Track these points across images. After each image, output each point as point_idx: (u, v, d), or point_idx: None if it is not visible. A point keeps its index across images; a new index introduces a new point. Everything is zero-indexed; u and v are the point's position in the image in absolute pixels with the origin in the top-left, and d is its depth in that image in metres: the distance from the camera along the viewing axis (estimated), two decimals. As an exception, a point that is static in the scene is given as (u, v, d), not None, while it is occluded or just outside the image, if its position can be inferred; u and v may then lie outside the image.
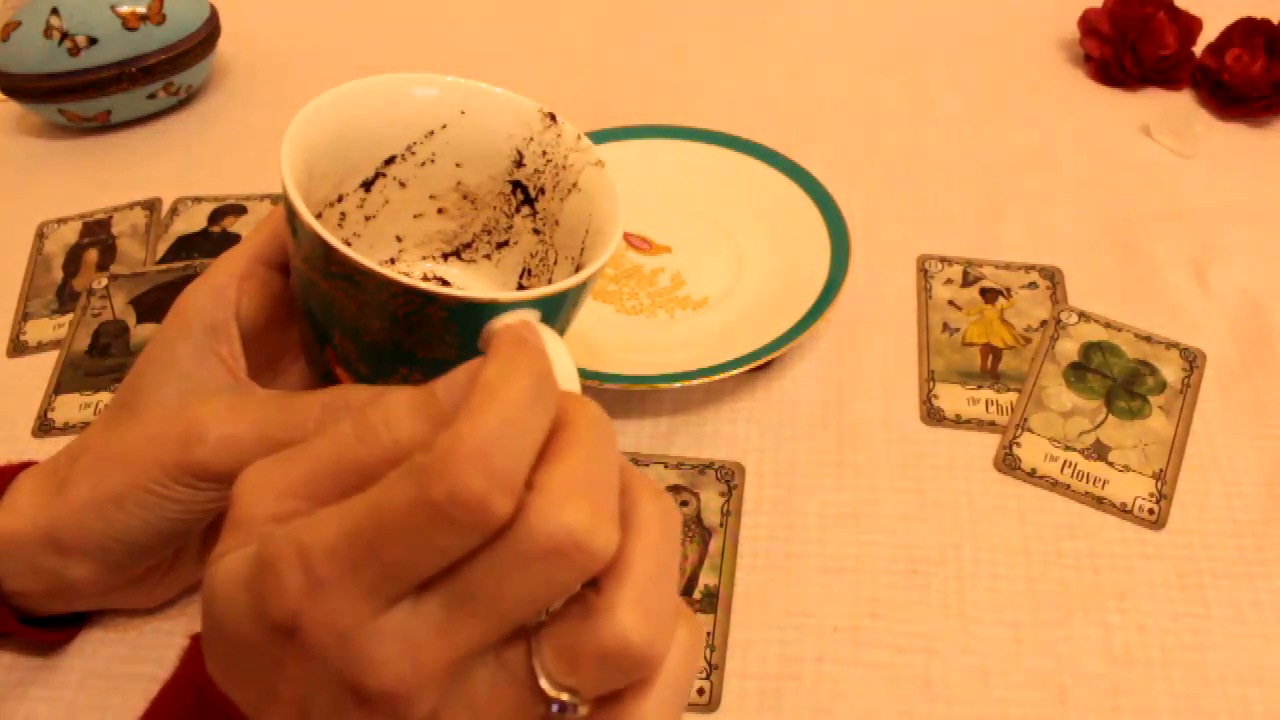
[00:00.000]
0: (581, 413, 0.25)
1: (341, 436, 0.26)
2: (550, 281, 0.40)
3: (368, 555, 0.23)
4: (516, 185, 0.41)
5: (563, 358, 0.31)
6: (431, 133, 0.39)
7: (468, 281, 0.43)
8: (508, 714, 0.25)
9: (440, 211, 0.42)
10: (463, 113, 0.39)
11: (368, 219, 0.40)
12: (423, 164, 0.40)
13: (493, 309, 0.31)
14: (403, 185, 0.40)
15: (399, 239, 0.42)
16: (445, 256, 0.43)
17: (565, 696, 0.24)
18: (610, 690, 0.25)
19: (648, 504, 0.25)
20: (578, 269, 0.38)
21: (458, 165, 0.40)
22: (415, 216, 0.42)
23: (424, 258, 0.43)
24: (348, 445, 0.25)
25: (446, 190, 0.41)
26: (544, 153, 0.40)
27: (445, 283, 0.42)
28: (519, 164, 0.40)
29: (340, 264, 0.31)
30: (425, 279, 0.41)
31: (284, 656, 0.24)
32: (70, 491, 0.37)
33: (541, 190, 0.40)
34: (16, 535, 0.38)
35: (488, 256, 0.43)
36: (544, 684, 0.24)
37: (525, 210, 0.41)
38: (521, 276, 0.42)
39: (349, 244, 0.31)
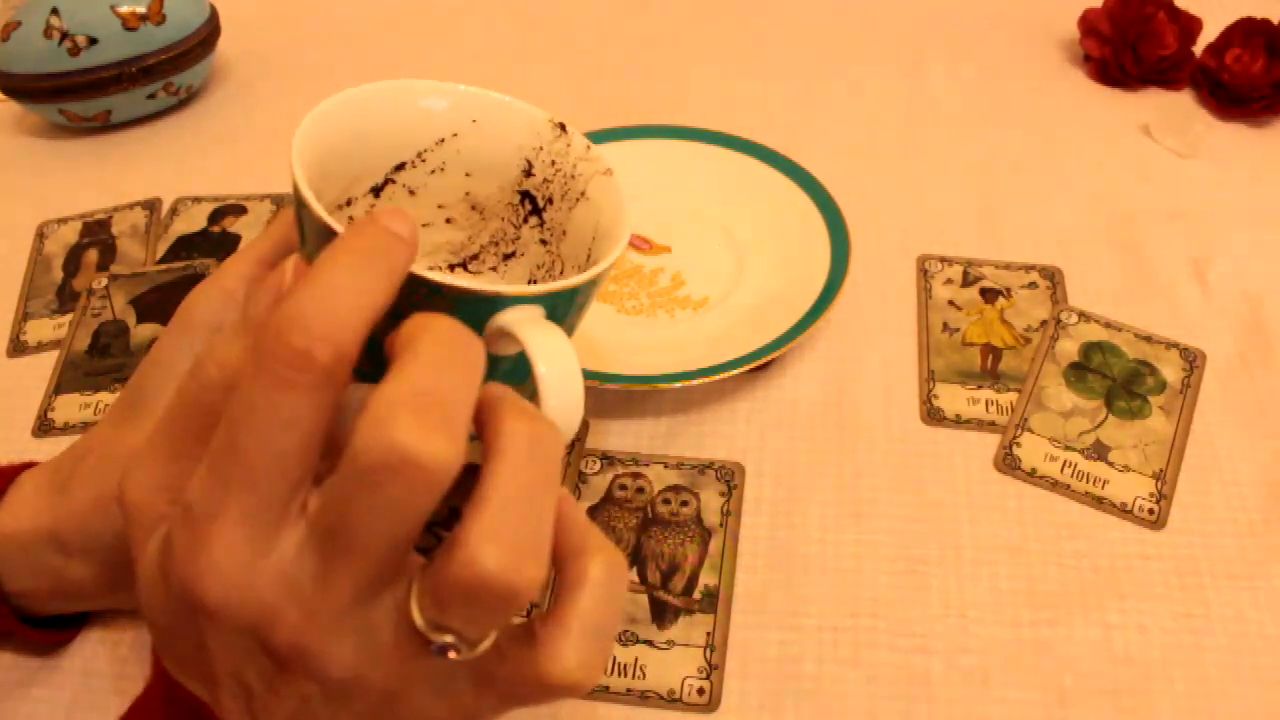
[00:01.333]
0: (425, 331, 0.24)
1: (183, 388, 0.26)
2: None
3: (230, 468, 0.23)
4: (525, 195, 0.41)
5: (569, 358, 0.31)
6: (442, 140, 0.39)
7: None
8: (406, 660, 0.25)
9: (448, 221, 0.42)
10: (474, 121, 0.39)
11: None
12: (432, 172, 0.40)
13: (498, 302, 0.31)
14: (412, 193, 0.40)
15: None
16: (452, 268, 0.43)
17: (448, 639, 0.24)
18: (486, 627, 0.24)
19: (513, 425, 0.25)
20: None
21: (467, 175, 0.40)
22: (423, 226, 0.41)
23: (430, 268, 0.43)
24: (189, 394, 0.26)
25: (455, 200, 0.41)
26: (553, 162, 0.39)
27: None
28: (528, 173, 0.40)
29: None
30: None
31: (203, 633, 0.25)
32: (74, 492, 0.37)
33: (550, 200, 0.40)
34: (18, 535, 0.38)
35: (494, 268, 0.43)
36: (419, 624, 0.24)
37: (533, 221, 0.41)
38: None
39: None
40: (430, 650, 0.24)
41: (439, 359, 0.24)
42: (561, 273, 0.40)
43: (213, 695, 0.27)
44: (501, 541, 0.23)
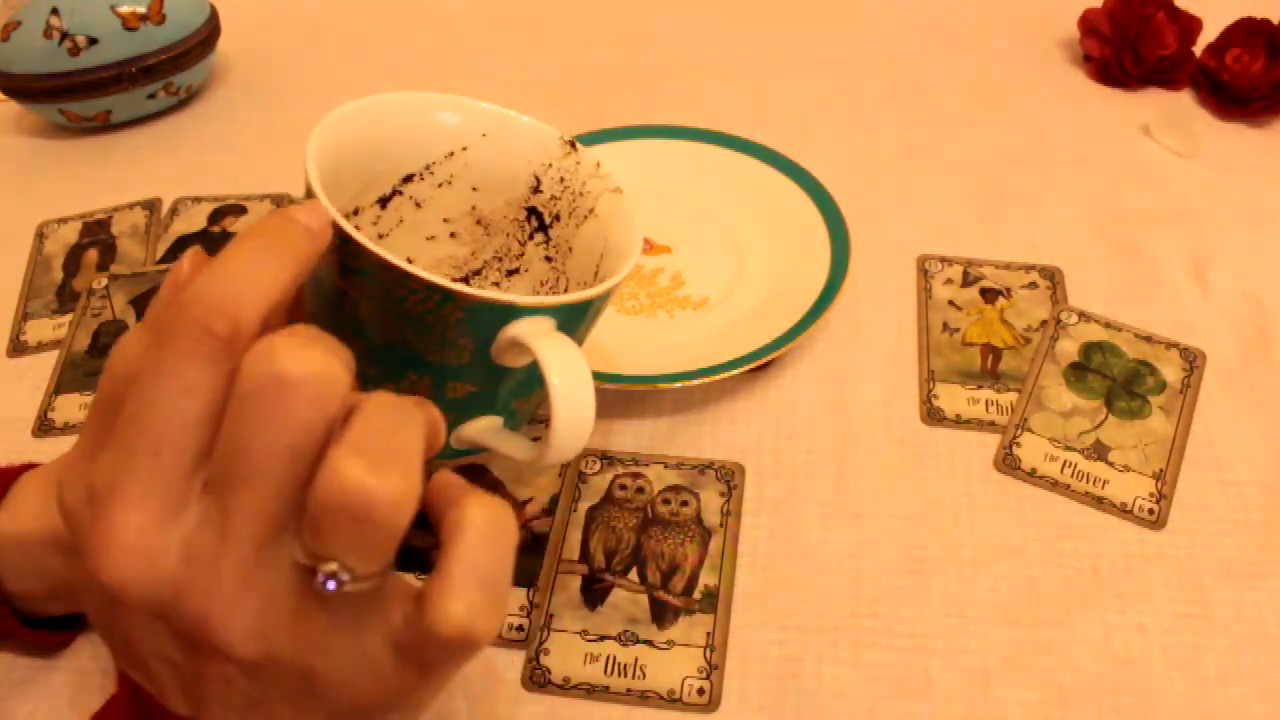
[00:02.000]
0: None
1: (99, 385, 0.27)
2: None
3: (131, 439, 0.24)
4: (531, 211, 0.40)
5: (582, 370, 0.30)
6: (451, 154, 0.39)
7: None
8: (309, 621, 0.25)
9: (453, 235, 0.42)
10: (484, 135, 0.39)
11: (381, 236, 0.40)
12: (440, 185, 0.40)
13: (510, 312, 0.31)
14: (418, 205, 0.40)
15: (409, 261, 0.42)
16: (454, 282, 0.43)
17: (331, 566, 0.24)
18: (364, 551, 0.24)
19: None
20: None
21: (474, 189, 0.40)
22: (428, 239, 0.41)
23: None
24: (103, 389, 0.27)
25: (461, 214, 0.41)
26: (562, 179, 0.39)
27: None
28: (536, 190, 0.40)
29: (359, 257, 0.30)
30: None
31: (120, 619, 0.25)
32: None
33: (557, 217, 0.40)
34: (20, 536, 0.38)
35: (496, 284, 0.42)
36: (301, 558, 0.24)
37: (539, 237, 0.41)
38: None
39: None
40: (318, 583, 0.24)
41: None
42: (566, 289, 0.40)
43: (154, 685, 0.27)
44: (362, 454, 0.23)
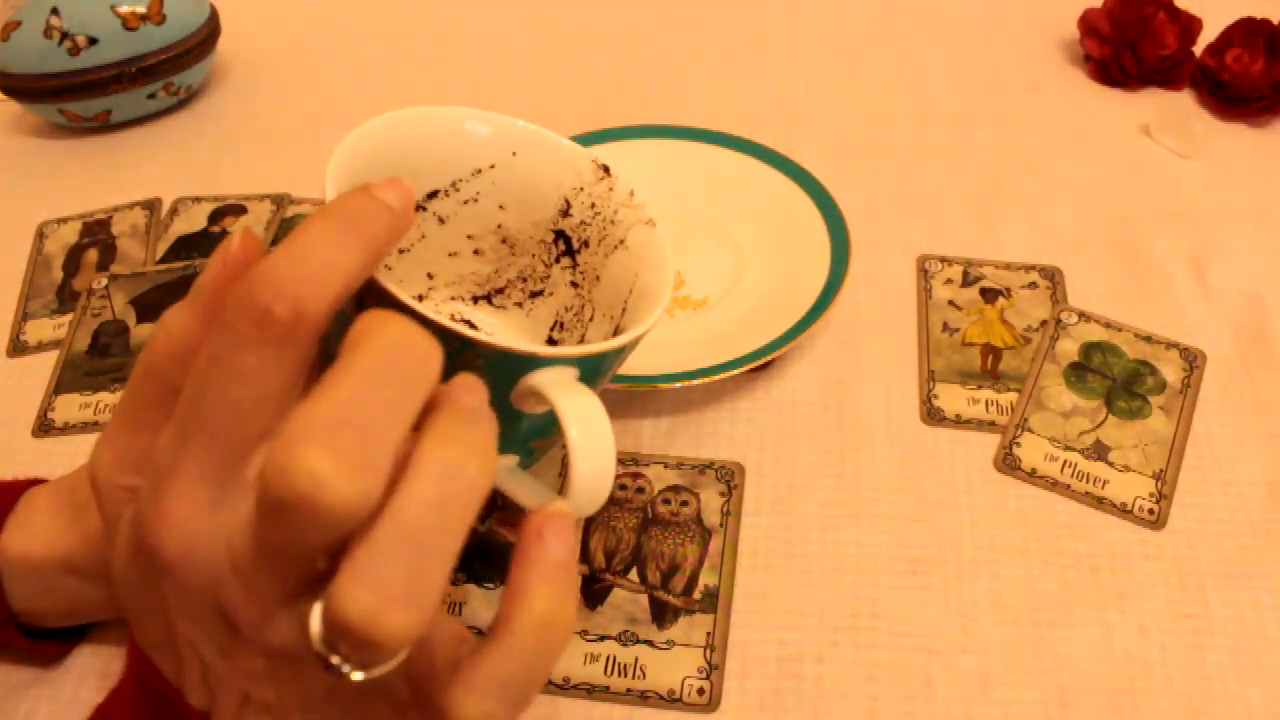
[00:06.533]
0: (370, 336, 0.24)
1: (139, 360, 0.27)
2: (584, 338, 0.39)
3: (190, 421, 0.24)
4: (559, 235, 0.39)
5: (602, 422, 0.29)
6: (479, 171, 0.38)
7: (496, 328, 0.41)
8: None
9: (476, 253, 0.41)
10: (514, 154, 0.38)
11: (401, 252, 0.39)
12: (465, 202, 0.39)
13: (531, 362, 0.30)
14: (442, 221, 0.39)
15: (430, 276, 0.41)
16: (475, 299, 0.42)
17: (334, 659, 0.23)
18: (365, 661, 0.23)
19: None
20: (617, 330, 0.37)
21: (501, 207, 0.39)
22: (450, 255, 0.40)
23: (453, 298, 0.42)
24: (143, 364, 0.26)
25: (486, 231, 0.40)
26: (593, 205, 0.38)
27: (473, 326, 0.41)
28: (565, 213, 0.39)
29: (378, 297, 0.29)
30: (453, 320, 0.41)
31: (165, 595, 0.25)
32: (91, 518, 0.37)
33: (585, 243, 0.39)
34: (30, 558, 0.38)
35: (519, 304, 0.42)
36: (316, 645, 0.23)
37: (565, 261, 0.40)
38: (552, 329, 0.41)
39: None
40: (330, 670, 0.23)
41: (375, 372, 0.23)
42: (591, 319, 0.39)
43: (175, 672, 0.27)
44: (373, 588, 0.22)
